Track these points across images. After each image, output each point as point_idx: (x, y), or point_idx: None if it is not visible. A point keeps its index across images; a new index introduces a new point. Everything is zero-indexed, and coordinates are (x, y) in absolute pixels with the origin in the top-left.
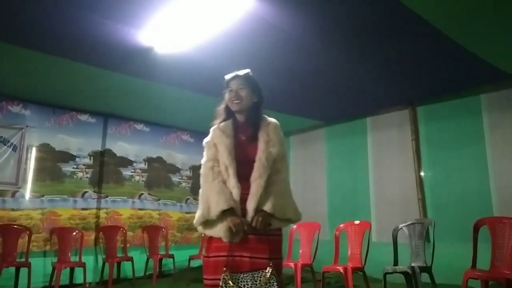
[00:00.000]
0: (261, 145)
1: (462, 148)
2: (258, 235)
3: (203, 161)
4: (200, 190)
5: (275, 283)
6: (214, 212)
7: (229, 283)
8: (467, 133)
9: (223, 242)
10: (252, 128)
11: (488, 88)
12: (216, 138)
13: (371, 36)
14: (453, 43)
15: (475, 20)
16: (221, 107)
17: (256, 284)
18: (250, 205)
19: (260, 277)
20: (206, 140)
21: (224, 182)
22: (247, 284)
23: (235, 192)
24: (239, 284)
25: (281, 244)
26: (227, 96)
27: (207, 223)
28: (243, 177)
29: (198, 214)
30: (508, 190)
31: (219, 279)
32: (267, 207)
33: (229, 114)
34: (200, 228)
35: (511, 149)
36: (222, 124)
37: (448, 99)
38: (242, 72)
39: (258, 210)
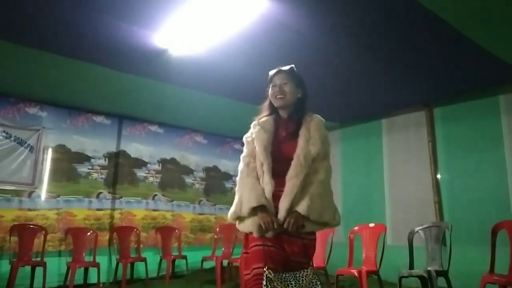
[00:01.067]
0: (300, 142)
1: (480, 150)
2: (290, 235)
3: (241, 156)
4: (236, 187)
5: (318, 282)
6: (245, 209)
7: (273, 281)
8: (485, 135)
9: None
10: (294, 124)
11: (507, 88)
12: (255, 133)
13: (386, 36)
14: (471, 43)
15: (493, 19)
16: (265, 103)
17: (300, 284)
18: (283, 205)
19: (303, 277)
20: (246, 135)
21: (258, 179)
22: (291, 284)
23: (268, 189)
24: (282, 283)
25: (314, 249)
26: (270, 91)
27: (241, 219)
28: (279, 175)
29: (231, 210)
30: None
31: (260, 267)
32: (301, 208)
33: (273, 110)
34: (236, 224)
35: None
36: (263, 119)
37: (466, 99)
38: (286, 67)
39: (291, 210)
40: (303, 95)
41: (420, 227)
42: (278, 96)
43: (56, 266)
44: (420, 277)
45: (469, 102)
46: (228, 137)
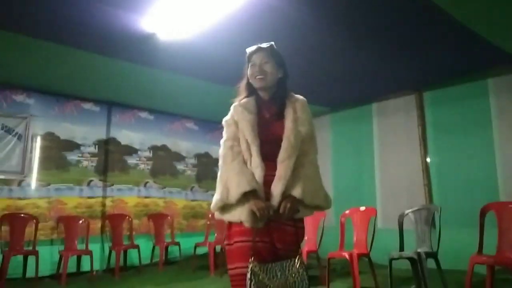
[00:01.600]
0: (288, 123)
1: (469, 133)
2: (282, 223)
3: (222, 141)
4: (218, 172)
5: (305, 273)
6: (234, 195)
7: (258, 273)
8: (474, 118)
9: (244, 226)
10: (277, 106)
11: (496, 72)
12: (237, 114)
13: (377, 20)
14: (460, 26)
15: (482, 2)
16: (242, 83)
17: (285, 274)
18: (277, 189)
19: (289, 267)
20: (225, 118)
21: (245, 163)
22: (276, 275)
23: (258, 173)
24: (268, 275)
25: (303, 236)
26: (249, 71)
27: (226, 207)
28: (267, 158)
29: (215, 198)
30: None
31: (244, 267)
32: (297, 192)
33: (251, 91)
34: (217, 214)
35: None
36: (243, 100)
37: (455, 83)
38: (265, 45)
39: (286, 195)
40: (284, 74)
41: (410, 210)
42: (258, 77)
43: (48, 254)
44: (410, 259)
45: (458, 86)
46: (219, 123)
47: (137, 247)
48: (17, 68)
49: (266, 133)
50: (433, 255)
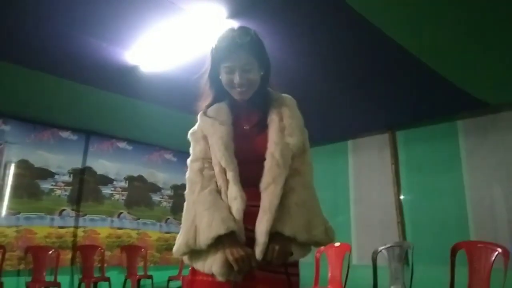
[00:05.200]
0: (272, 134)
1: (440, 172)
2: (270, 270)
3: (188, 160)
4: (185, 204)
5: None
6: (204, 239)
7: None
8: (444, 158)
9: (213, 277)
10: (258, 111)
11: (465, 114)
12: (206, 127)
13: (351, 62)
14: (430, 71)
15: (452, 50)
16: (206, 86)
17: None
18: (261, 227)
19: None
20: (192, 130)
21: (219, 192)
22: None
23: (236, 206)
24: None
25: (298, 286)
26: (224, 77)
27: (194, 252)
28: (248, 182)
29: (179, 242)
30: (485, 214)
31: None
32: (287, 229)
33: (221, 94)
34: (185, 259)
35: (486, 174)
36: (212, 108)
37: (426, 124)
38: (245, 37)
39: (273, 234)
40: (266, 70)
41: (384, 247)
42: (239, 89)
43: (14, 286)
44: None
45: (429, 126)
46: None
47: (108, 279)
48: None
49: (245, 150)
50: None
